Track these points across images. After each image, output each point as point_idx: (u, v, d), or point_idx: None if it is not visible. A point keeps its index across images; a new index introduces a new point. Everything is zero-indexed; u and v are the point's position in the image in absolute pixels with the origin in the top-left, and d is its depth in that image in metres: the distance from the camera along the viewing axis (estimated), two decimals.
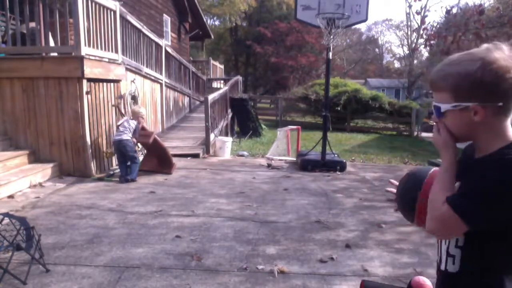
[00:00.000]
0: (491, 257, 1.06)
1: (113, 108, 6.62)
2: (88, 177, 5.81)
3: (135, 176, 5.95)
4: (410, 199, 1.27)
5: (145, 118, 6.50)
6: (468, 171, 1.10)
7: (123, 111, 6.85)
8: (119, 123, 6.31)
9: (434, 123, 1.16)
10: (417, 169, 1.36)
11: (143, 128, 6.34)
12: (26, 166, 5.54)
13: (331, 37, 6.91)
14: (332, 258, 3.27)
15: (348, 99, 16.75)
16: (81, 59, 5.46)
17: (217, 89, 14.95)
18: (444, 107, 1.09)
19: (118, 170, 6.12)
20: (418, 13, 23.13)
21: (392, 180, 1.48)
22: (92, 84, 5.92)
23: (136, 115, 6.23)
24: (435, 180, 1.12)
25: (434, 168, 1.31)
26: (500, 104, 1.02)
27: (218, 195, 5.25)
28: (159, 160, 6.56)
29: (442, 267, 1.15)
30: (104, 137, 6.33)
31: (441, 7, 40.46)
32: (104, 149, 6.31)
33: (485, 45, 1.07)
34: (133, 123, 6.09)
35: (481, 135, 1.09)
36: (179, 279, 2.85)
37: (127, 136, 5.94)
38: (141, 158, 6.60)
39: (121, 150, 5.90)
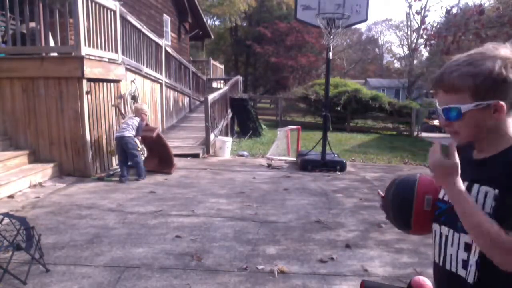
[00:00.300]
0: None
1: (113, 108, 6.62)
2: (88, 177, 5.81)
3: (144, 176, 5.99)
4: (400, 206, 1.25)
5: (148, 115, 6.53)
6: (474, 172, 1.09)
7: (123, 111, 6.85)
8: (123, 121, 6.32)
9: (444, 130, 1.13)
10: (404, 176, 1.33)
11: (146, 125, 6.38)
12: (26, 166, 5.54)
13: (331, 37, 6.91)
14: (332, 258, 3.27)
15: (348, 99, 16.74)
16: (81, 59, 5.46)
17: (217, 89, 14.94)
18: (465, 107, 1.05)
19: (119, 170, 6.13)
20: (418, 13, 23.16)
21: (380, 191, 1.46)
22: (92, 84, 5.92)
23: (139, 112, 6.24)
24: (463, 216, 1.03)
25: (419, 174, 1.29)
26: None
27: (218, 195, 5.25)
28: (160, 159, 6.56)
29: (470, 279, 1.07)
30: (104, 137, 6.34)
31: (441, 7, 40.51)
32: (105, 147, 6.32)
33: (489, 45, 1.07)
34: (136, 121, 6.08)
35: (488, 135, 1.08)
36: (179, 279, 2.85)
37: (129, 133, 5.93)
38: (142, 158, 6.60)
39: (123, 147, 5.89)
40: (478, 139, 1.11)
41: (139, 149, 6.40)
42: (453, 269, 1.12)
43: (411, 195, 1.24)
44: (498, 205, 1.01)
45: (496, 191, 1.01)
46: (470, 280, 1.06)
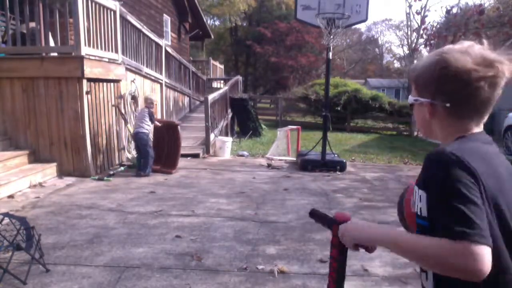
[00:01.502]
0: None
1: (113, 108, 6.63)
2: (88, 177, 5.81)
3: (148, 172, 6.10)
4: (398, 208, 1.28)
5: (155, 104, 6.73)
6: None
7: (123, 111, 6.86)
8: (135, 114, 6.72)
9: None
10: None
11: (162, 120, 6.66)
12: (26, 166, 5.54)
13: (331, 37, 6.91)
14: None
15: (348, 99, 16.72)
16: (81, 59, 5.46)
17: (217, 89, 14.93)
18: (410, 99, 1.10)
19: (119, 170, 6.17)
20: (418, 13, 23.11)
21: None
22: (92, 84, 5.92)
23: (147, 102, 6.40)
24: (408, 246, 0.95)
25: (410, 182, 1.30)
26: (447, 105, 1.00)
27: (218, 195, 5.25)
28: (166, 159, 6.58)
29: (425, 285, 1.05)
30: (104, 137, 6.34)
31: (441, 7, 40.49)
32: (105, 147, 6.34)
33: (464, 42, 1.03)
34: (144, 112, 6.26)
35: (438, 134, 1.08)
36: (179, 279, 2.85)
37: (143, 129, 6.12)
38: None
39: (137, 142, 6.16)
40: (428, 134, 1.12)
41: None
42: (422, 280, 1.07)
43: (403, 198, 1.27)
44: (427, 206, 0.96)
45: (420, 191, 0.98)
46: (430, 287, 1.02)
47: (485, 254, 0.84)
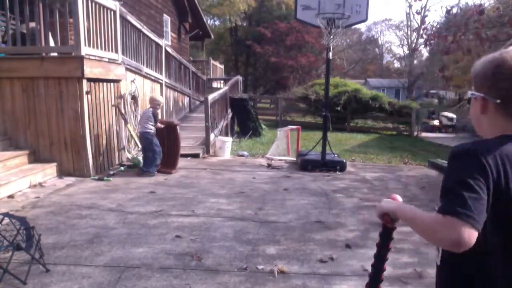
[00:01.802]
0: None
1: (113, 108, 6.63)
2: (88, 177, 5.81)
3: (151, 170, 6.14)
4: None
5: (161, 105, 6.76)
6: None
7: (123, 111, 6.86)
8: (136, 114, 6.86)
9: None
10: None
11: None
12: (26, 166, 5.53)
13: (331, 37, 6.91)
14: (332, 258, 3.27)
15: (348, 99, 16.73)
16: (81, 59, 5.46)
17: (217, 89, 14.92)
18: (467, 94, 1.14)
19: (119, 170, 6.18)
20: (418, 13, 23.16)
21: None
22: (92, 84, 5.92)
23: (153, 103, 6.44)
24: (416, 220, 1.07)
25: None
26: (498, 101, 1.04)
27: (218, 195, 5.25)
28: (166, 157, 6.60)
29: (438, 262, 1.17)
30: (104, 137, 6.34)
31: (441, 7, 40.49)
32: (105, 147, 6.35)
33: None
34: (149, 112, 6.30)
35: (486, 130, 1.11)
36: (179, 279, 2.85)
37: (147, 129, 6.18)
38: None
39: (141, 142, 6.31)
40: (479, 131, 1.14)
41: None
42: (436, 261, 1.18)
43: None
44: None
45: None
46: (438, 262, 1.14)
47: (468, 231, 0.91)
